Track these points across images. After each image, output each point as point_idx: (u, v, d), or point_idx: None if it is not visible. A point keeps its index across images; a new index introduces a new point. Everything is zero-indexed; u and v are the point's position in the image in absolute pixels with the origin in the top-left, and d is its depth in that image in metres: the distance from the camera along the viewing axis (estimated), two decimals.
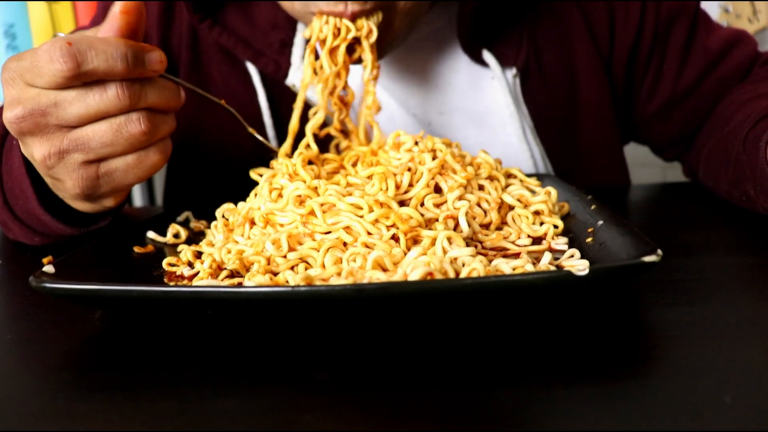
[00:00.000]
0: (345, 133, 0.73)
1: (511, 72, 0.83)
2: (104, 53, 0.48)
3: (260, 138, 0.66)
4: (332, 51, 0.68)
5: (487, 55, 0.82)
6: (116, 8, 0.50)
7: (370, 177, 0.57)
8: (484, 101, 0.85)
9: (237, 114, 0.63)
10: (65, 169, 0.53)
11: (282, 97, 0.84)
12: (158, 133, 0.54)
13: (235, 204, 0.66)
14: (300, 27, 0.83)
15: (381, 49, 0.71)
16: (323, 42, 0.68)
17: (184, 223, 0.67)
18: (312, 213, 0.52)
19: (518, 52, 0.83)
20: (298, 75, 0.81)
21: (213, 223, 0.64)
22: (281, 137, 0.84)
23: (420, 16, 0.73)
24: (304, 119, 0.72)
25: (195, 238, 0.64)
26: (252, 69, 0.83)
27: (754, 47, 0.89)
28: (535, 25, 0.84)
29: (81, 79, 0.49)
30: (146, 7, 0.83)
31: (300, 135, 0.71)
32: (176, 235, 0.62)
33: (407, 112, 0.86)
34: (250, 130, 0.65)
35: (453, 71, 0.85)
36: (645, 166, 1.57)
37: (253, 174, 0.65)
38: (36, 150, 0.52)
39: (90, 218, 0.64)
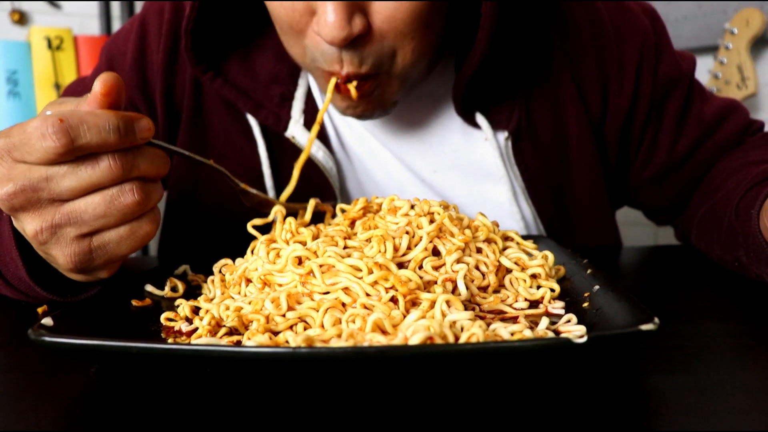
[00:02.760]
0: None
1: (503, 135, 0.84)
2: (96, 127, 0.48)
3: (254, 191, 0.65)
4: None
5: (480, 119, 0.84)
6: (97, 88, 0.50)
7: (368, 240, 0.57)
8: (476, 161, 0.87)
9: (227, 172, 0.63)
10: (58, 245, 0.52)
11: (281, 149, 0.86)
12: (150, 202, 0.53)
13: (232, 258, 0.66)
14: (301, 81, 0.85)
15: (373, 110, 0.74)
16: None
17: (182, 276, 0.67)
18: (311, 273, 0.52)
19: (510, 116, 0.84)
20: (297, 128, 0.82)
21: (210, 278, 0.64)
22: (279, 187, 0.85)
23: (416, 83, 0.75)
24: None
25: (192, 291, 0.64)
26: (252, 120, 0.85)
27: (746, 116, 0.91)
28: (528, 90, 0.86)
29: (74, 154, 0.48)
30: (150, 56, 0.86)
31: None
32: (174, 289, 0.63)
33: (404, 166, 0.87)
34: (243, 185, 0.64)
35: (447, 130, 0.87)
36: (637, 225, 1.59)
37: (251, 228, 0.65)
38: (28, 225, 0.51)
39: (81, 285, 0.63)
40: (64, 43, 1.83)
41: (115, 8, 2.09)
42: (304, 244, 0.58)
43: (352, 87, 0.70)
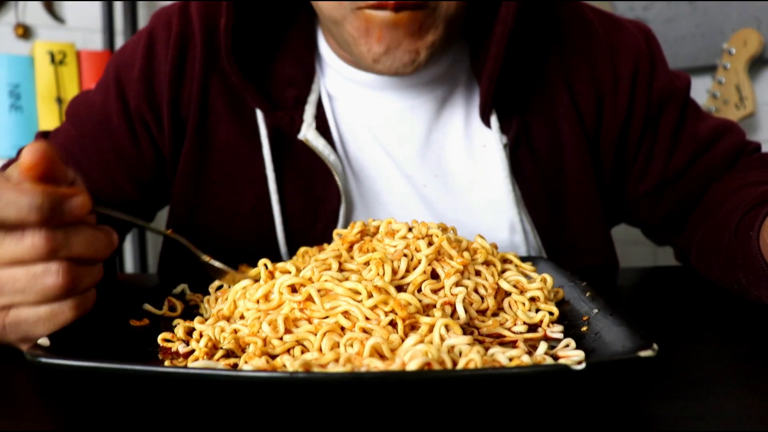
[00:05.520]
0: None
1: (503, 141, 0.86)
2: (15, 204, 0.45)
3: (217, 264, 0.64)
4: None
5: (493, 120, 0.86)
6: (23, 161, 0.46)
7: (366, 263, 0.57)
8: (475, 167, 0.88)
9: (189, 244, 0.61)
10: None
11: (285, 156, 0.87)
12: (78, 286, 0.50)
13: None
14: (314, 87, 0.88)
15: (411, 54, 0.76)
16: None
17: (180, 296, 0.67)
18: (309, 299, 0.52)
19: (510, 124, 0.86)
20: (310, 131, 0.84)
21: (206, 298, 0.64)
22: (281, 192, 0.87)
23: (458, 23, 0.78)
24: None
25: (190, 311, 0.64)
26: (261, 124, 0.86)
27: (742, 137, 0.92)
28: (525, 99, 0.88)
29: None
30: (158, 67, 0.87)
31: None
32: (172, 308, 0.62)
33: (405, 173, 0.89)
34: (206, 257, 0.63)
35: (449, 136, 0.89)
36: (637, 244, 1.59)
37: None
38: None
39: None
40: (67, 57, 1.84)
41: (119, 23, 2.10)
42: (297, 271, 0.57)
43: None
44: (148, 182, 0.90)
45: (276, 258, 0.86)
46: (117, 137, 0.87)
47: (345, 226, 0.86)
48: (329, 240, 0.85)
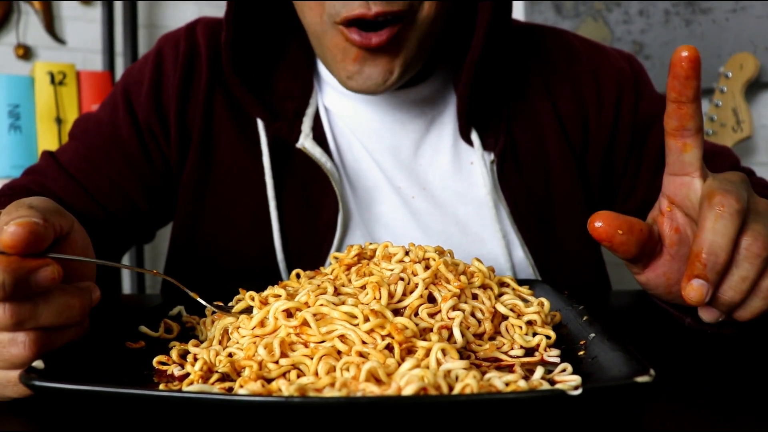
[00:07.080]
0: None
1: (489, 158, 0.88)
2: None
3: (203, 302, 0.62)
4: None
5: (474, 136, 0.88)
6: (5, 239, 0.46)
7: (362, 287, 0.57)
8: (462, 182, 0.90)
9: (175, 281, 0.61)
10: None
11: (286, 164, 0.90)
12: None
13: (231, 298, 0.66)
14: (311, 101, 0.90)
15: (383, 73, 0.78)
16: None
17: (177, 317, 0.67)
18: (305, 323, 0.52)
19: (497, 139, 0.89)
20: (308, 141, 0.86)
21: (202, 320, 0.64)
22: (280, 199, 0.89)
23: (433, 38, 0.80)
24: None
25: (187, 332, 0.64)
26: (262, 134, 0.89)
27: (734, 162, 0.91)
28: (510, 115, 0.90)
29: None
30: (166, 82, 0.91)
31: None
32: (168, 330, 0.62)
33: (392, 186, 0.91)
34: (192, 294, 0.62)
35: (438, 152, 0.92)
36: None
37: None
38: None
39: None
40: (67, 78, 1.86)
41: (119, 44, 2.12)
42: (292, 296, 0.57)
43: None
44: (157, 191, 0.92)
45: (274, 266, 0.87)
46: (127, 148, 0.90)
47: (342, 235, 0.88)
48: (327, 248, 0.86)
